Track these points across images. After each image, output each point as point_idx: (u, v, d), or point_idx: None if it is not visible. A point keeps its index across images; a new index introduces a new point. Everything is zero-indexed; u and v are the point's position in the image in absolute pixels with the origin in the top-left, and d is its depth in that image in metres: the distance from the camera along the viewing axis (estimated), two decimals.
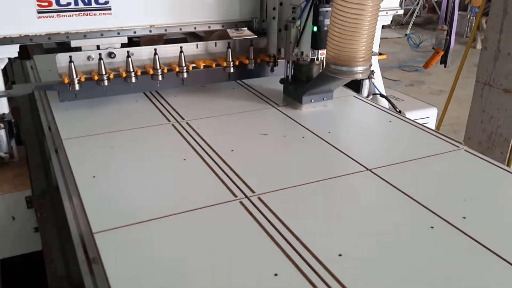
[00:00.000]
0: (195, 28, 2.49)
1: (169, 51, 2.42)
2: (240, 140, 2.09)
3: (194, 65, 2.45)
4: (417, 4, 11.29)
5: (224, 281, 1.26)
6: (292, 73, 2.43)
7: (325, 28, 2.13)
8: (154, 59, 2.31)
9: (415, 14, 10.84)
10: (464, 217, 1.53)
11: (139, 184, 1.72)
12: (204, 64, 2.47)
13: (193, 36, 3.42)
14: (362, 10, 1.86)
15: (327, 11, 2.09)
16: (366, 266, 1.32)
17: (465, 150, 2.01)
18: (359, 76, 2.02)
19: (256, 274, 1.28)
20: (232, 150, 1.96)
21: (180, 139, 2.06)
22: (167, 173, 1.80)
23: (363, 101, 2.59)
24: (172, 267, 1.30)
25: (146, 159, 1.90)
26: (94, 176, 1.74)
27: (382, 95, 2.86)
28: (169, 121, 2.24)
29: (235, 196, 1.63)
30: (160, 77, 2.34)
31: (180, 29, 2.43)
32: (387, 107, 2.67)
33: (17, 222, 2.06)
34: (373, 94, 2.89)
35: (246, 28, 2.73)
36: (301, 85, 2.38)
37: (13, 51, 2.13)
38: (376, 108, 2.49)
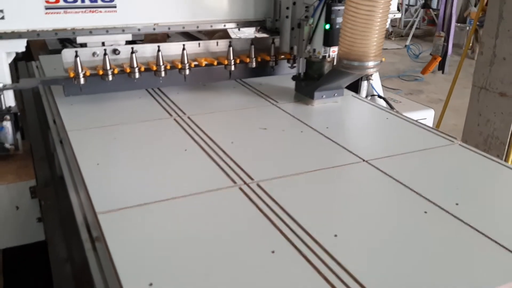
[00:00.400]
0: (211, 26, 2.58)
1: (172, 49, 2.48)
2: (240, 133, 2.15)
3: (196, 62, 2.51)
4: (417, 16, 11.42)
5: (224, 257, 1.30)
6: (304, 71, 2.53)
7: (337, 26, 2.24)
8: (158, 56, 2.37)
9: (414, 26, 10.96)
10: (457, 204, 1.57)
11: (141, 171, 1.77)
12: (206, 62, 2.53)
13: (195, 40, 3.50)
14: (374, 7, 1.96)
15: (339, 9, 2.20)
16: (360, 245, 1.37)
17: (460, 145, 2.06)
18: (370, 71, 2.12)
19: (255, 251, 1.33)
20: (232, 142, 2.01)
21: (181, 132, 2.11)
22: (169, 161, 1.85)
23: (361, 100, 2.65)
24: (173, 244, 1.34)
25: (148, 149, 1.96)
26: (98, 164, 1.79)
27: (380, 96, 2.92)
28: (170, 115, 2.29)
29: (235, 182, 1.68)
30: (163, 74, 2.40)
31: (183, 27, 2.50)
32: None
33: (21, 211, 2.09)
34: (371, 95, 2.95)
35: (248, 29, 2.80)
36: (312, 81, 2.47)
37: (21, 45, 2.19)
38: (374, 106, 2.55)
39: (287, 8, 2.52)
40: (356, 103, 2.61)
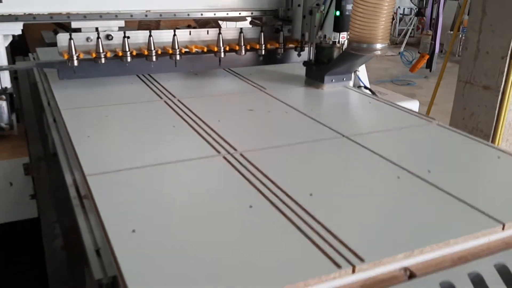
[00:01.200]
0: (227, 14, 2.76)
1: (163, 36, 2.56)
2: (227, 114, 2.23)
3: (187, 49, 2.60)
4: (411, 25, 11.59)
5: (204, 210, 1.38)
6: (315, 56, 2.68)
7: (347, 13, 2.41)
8: (149, 41, 2.46)
9: (408, 34, 11.11)
10: (429, 171, 1.65)
11: (130, 142, 1.85)
12: (196, 49, 2.61)
13: None
14: None
15: None
16: (334, 202, 1.45)
17: (437, 124, 2.14)
18: (378, 53, 2.28)
19: (234, 206, 1.40)
20: (219, 120, 2.09)
21: (170, 112, 2.19)
22: (157, 135, 1.94)
23: (346, 87, 2.74)
24: (156, 201, 1.42)
25: (137, 124, 2.04)
26: (88, 136, 1.87)
27: (366, 87, 3.01)
28: (161, 98, 2.38)
29: (219, 152, 1.76)
30: (154, 58, 2.48)
31: (175, 14, 2.61)
32: None
33: (14, 188, 2.17)
34: (358, 87, 3.04)
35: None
36: (323, 66, 2.63)
37: (17, 28, 2.29)
38: (357, 92, 2.64)
39: None
40: (340, 89, 2.70)
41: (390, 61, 9.66)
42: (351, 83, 3.06)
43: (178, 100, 2.34)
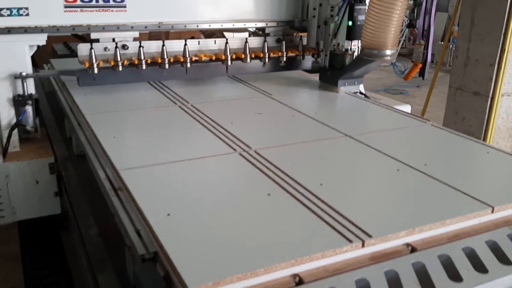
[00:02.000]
0: (244, 24, 3.01)
1: (174, 46, 2.76)
2: (238, 116, 2.42)
3: (196, 58, 2.79)
4: (403, 36, 11.86)
5: (227, 197, 1.56)
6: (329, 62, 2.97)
7: (358, 23, 2.67)
8: (162, 50, 2.65)
9: (400, 44, 11.36)
10: (425, 164, 1.83)
11: (152, 141, 2.03)
12: (205, 57, 2.81)
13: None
14: (394, 5, 2.38)
15: (360, 8, 2.65)
16: (342, 190, 1.63)
17: (432, 125, 2.33)
18: (388, 58, 2.53)
19: (254, 194, 1.58)
20: (232, 123, 2.27)
21: (186, 115, 2.37)
22: (176, 136, 2.11)
23: (345, 93, 2.93)
24: (185, 192, 1.59)
25: (157, 127, 2.22)
26: (114, 137, 2.04)
27: (361, 93, 3.21)
28: (175, 104, 2.56)
29: (235, 150, 1.94)
30: (166, 66, 2.67)
31: (185, 26, 2.83)
32: None
33: (40, 186, 2.34)
34: (354, 92, 3.24)
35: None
36: (336, 72, 2.89)
37: (42, 39, 2.49)
38: (355, 97, 2.84)
39: (314, 9, 2.96)
40: (340, 95, 2.89)
41: (383, 71, 9.90)
42: (361, 87, 3.26)
43: (192, 106, 2.52)
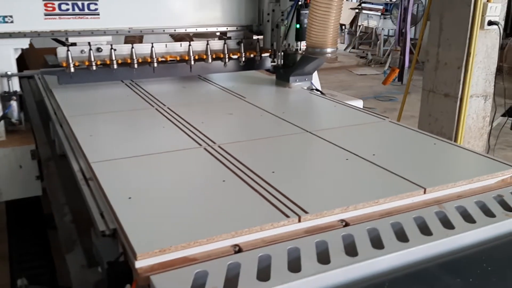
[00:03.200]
0: (217, 28, 3.45)
1: (144, 48, 3.12)
2: (210, 117, 2.59)
3: (163, 58, 3.16)
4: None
5: (186, 184, 1.72)
6: (282, 62, 3.34)
7: (305, 26, 2.99)
8: (131, 52, 3.03)
9: (391, 54, 11.59)
10: (374, 154, 2.00)
11: (125, 138, 2.20)
12: (171, 58, 3.18)
13: None
14: (330, 9, 2.73)
15: (306, 13, 2.97)
16: (290, 177, 1.79)
17: (390, 121, 2.50)
18: (329, 56, 2.87)
19: (210, 181, 1.75)
20: (203, 122, 2.44)
21: (160, 116, 2.55)
22: (148, 133, 2.30)
23: (303, 89, 3.13)
24: (149, 179, 1.76)
25: (132, 127, 2.39)
26: (91, 135, 2.22)
27: (317, 90, 3.53)
28: (152, 106, 2.74)
29: (200, 145, 2.11)
30: (135, 65, 3.03)
31: (152, 31, 3.24)
32: None
33: (23, 170, 2.70)
34: (311, 89, 3.51)
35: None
36: (288, 69, 3.25)
37: (25, 43, 2.87)
38: (319, 96, 3.04)
39: (268, 14, 3.37)
40: (306, 94, 3.08)
41: (375, 79, 10.09)
42: (318, 84, 3.54)
43: (168, 108, 2.70)
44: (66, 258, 1.61)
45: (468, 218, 1.56)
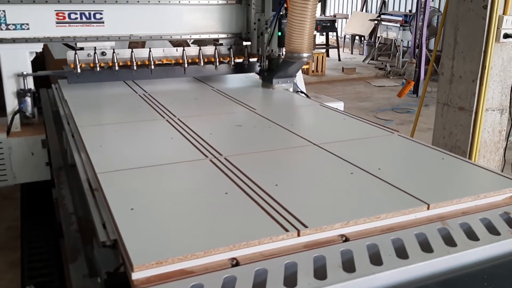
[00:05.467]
0: (209, 35, 3.86)
1: (144, 53, 3.55)
2: (219, 128, 2.62)
3: (160, 62, 3.58)
4: None
5: (189, 196, 1.74)
6: (267, 66, 3.71)
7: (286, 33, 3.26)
8: (132, 55, 3.47)
9: (406, 66, 11.49)
10: (379, 169, 1.99)
11: (134, 149, 2.23)
12: (167, 62, 3.60)
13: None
14: (304, 17, 3.06)
15: (286, 21, 3.22)
16: (293, 190, 1.79)
17: (398, 135, 2.48)
18: (305, 60, 3.22)
19: (212, 193, 1.76)
20: (211, 134, 2.46)
21: (166, 124, 2.59)
22: (156, 144, 2.32)
23: (322, 105, 3.11)
24: (152, 190, 1.78)
25: (141, 138, 2.42)
26: (100, 146, 2.25)
27: (302, 92, 3.78)
28: (163, 117, 2.77)
29: (206, 156, 2.12)
30: (135, 67, 3.47)
31: (151, 37, 3.67)
32: None
33: (35, 157, 3.16)
34: (296, 91, 3.76)
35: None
36: (272, 72, 3.63)
37: (39, 47, 3.35)
38: (328, 108, 3.04)
39: (254, 23, 3.76)
40: (321, 109, 3.07)
41: (393, 91, 10.00)
42: (303, 86, 3.93)
43: (178, 119, 2.73)
44: (70, 266, 1.63)
45: (471, 235, 1.54)
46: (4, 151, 3.14)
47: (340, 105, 3.44)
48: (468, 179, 1.98)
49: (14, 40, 3.24)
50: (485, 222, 1.62)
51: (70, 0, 3.36)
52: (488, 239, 1.52)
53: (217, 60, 3.71)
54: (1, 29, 3.20)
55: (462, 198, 1.71)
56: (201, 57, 3.64)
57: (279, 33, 3.39)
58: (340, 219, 1.54)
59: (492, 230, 1.57)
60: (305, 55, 3.17)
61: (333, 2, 17.98)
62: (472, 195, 1.73)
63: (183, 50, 3.59)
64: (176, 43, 4.37)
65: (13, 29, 3.21)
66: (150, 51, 3.49)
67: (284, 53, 3.41)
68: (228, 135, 2.52)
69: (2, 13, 3.18)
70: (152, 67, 3.52)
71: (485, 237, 1.53)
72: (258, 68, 3.83)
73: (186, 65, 3.60)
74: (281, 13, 3.37)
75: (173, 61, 3.59)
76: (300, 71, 4.07)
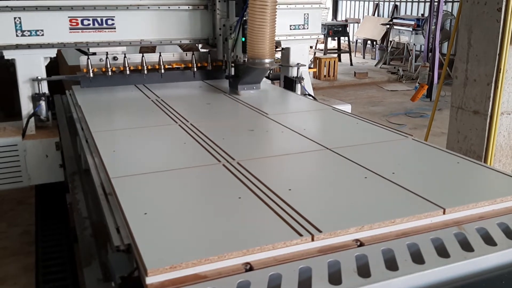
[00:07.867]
0: (180, 41, 3.93)
1: (154, 57, 3.75)
2: (231, 133, 2.61)
3: (170, 66, 3.80)
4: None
5: (203, 201, 1.74)
6: (234, 71, 3.65)
7: None
8: (142, 60, 3.64)
9: (419, 70, 11.40)
10: (393, 173, 1.97)
11: (148, 154, 2.23)
12: (177, 66, 3.82)
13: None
14: (264, 25, 3.06)
15: (247, 27, 3.20)
16: (307, 194, 1.78)
17: (413, 139, 2.46)
18: (267, 66, 3.19)
19: (226, 197, 1.76)
20: (223, 138, 2.45)
21: (179, 129, 2.59)
22: (169, 148, 2.33)
23: (335, 111, 3.09)
24: (166, 195, 1.78)
25: (155, 143, 2.43)
26: (114, 151, 2.26)
27: (309, 95, 3.76)
28: (176, 122, 2.78)
29: (219, 161, 2.12)
30: (145, 71, 3.64)
31: (161, 42, 3.82)
32: None
33: (49, 159, 3.26)
34: (304, 94, 3.73)
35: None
36: (237, 79, 3.57)
37: (53, 52, 3.49)
38: (341, 113, 3.02)
39: (220, 29, 3.76)
40: (334, 114, 3.06)
41: (406, 95, 9.94)
42: (299, 92, 3.93)
43: (191, 124, 2.73)
44: (84, 271, 1.63)
45: (489, 240, 1.51)
46: (19, 153, 3.25)
47: (347, 108, 3.44)
48: (484, 183, 1.96)
49: (29, 46, 3.35)
50: (503, 227, 1.60)
51: (83, 7, 3.46)
52: (506, 244, 1.50)
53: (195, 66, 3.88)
54: (17, 35, 3.30)
55: (478, 203, 1.69)
56: (210, 61, 3.91)
57: (243, 39, 3.35)
58: (354, 224, 1.53)
59: (510, 235, 1.55)
60: (267, 60, 3.15)
61: (344, 6, 17.97)
62: (489, 200, 1.71)
63: (192, 54, 3.83)
64: (186, 48, 4.51)
65: (28, 35, 3.32)
66: (160, 55, 3.66)
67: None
68: (241, 139, 2.52)
69: (18, 20, 3.27)
70: (162, 71, 3.67)
71: (503, 242, 1.50)
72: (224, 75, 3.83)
73: (195, 68, 3.82)
74: (245, 18, 3.31)
75: (182, 65, 3.79)
76: (307, 74, 4.12)
